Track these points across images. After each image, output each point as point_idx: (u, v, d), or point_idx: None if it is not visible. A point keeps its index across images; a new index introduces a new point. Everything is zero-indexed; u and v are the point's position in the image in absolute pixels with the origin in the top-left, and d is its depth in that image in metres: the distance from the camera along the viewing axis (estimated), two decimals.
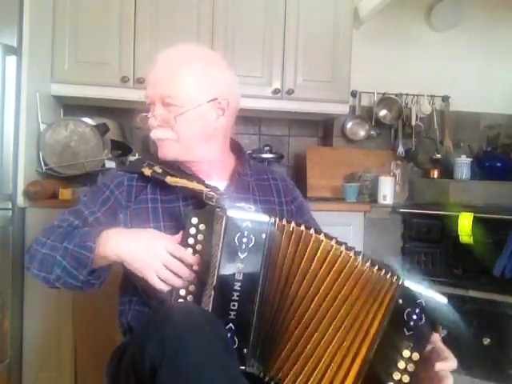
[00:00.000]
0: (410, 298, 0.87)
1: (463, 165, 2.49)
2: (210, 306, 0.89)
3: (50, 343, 1.87)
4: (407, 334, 0.86)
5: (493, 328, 1.93)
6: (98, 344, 1.73)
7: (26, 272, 1.03)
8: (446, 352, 0.88)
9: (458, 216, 1.93)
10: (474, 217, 1.90)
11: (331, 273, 0.90)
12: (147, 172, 1.06)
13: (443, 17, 2.67)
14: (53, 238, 1.00)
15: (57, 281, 0.97)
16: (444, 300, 0.88)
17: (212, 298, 0.88)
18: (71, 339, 1.86)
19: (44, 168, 1.97)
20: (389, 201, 2.24)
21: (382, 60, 2.64)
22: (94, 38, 2.13)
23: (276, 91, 2.30)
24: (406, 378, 0.86)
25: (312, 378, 0.90)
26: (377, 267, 0.89)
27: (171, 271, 0.91)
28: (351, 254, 0.90)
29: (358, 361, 0.89)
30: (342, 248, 0.91)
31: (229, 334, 0.88)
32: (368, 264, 0.89)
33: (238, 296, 0.88)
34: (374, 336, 0.88)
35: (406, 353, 0.86)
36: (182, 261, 0.92)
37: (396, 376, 0.86)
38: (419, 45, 2.70)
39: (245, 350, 0.89)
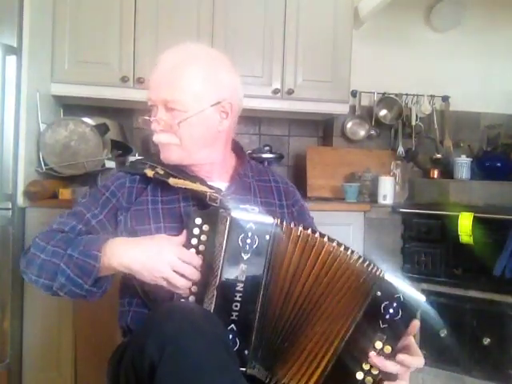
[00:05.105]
0: (389, 292, 0.86)
1: (463, 165, 2.48)
2: (212, 307, 0.89)
3: (49, 343, 1.87)
4: (382, 326, 0.86)
5: (493, 328, 1.93)
6: (98, 344, 1.73)
7: (23, 276, 1.01)
8: (416, 350, 0.89)
9: (457, 216, 1.93)
10: (474, 217, 1.89)
11: (329, 272, 0.90)
12: (150, 173, 1.04)
13: (443, 17, 2.67)
14: (53, 242, 0.98)
15: (60, 289, 0.96)
16: (422, 298, 0.88)
17: (214, 298, 0.88)
18: (71, 339, 1.86)
19: (44, 168, 1.97)
20: (389, 201, 2.24)
21: (381, 60, 2.64)
22: (94, 37, 2.13)
23: (276, 91, 2.30)
24: (375, 370, 0.86)
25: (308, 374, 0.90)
26: (362, 260, 0.89)
27: (182, 275, 0.90)
28: (348, 252, 0.90)
29: (331, 349, 0.89)
30: (342, 249, 0.90)
31: (230, 335, 0.87)
32: (356, 257, 0.89)
33: (240, 297, 0.88)
34: (350, 325, 0.88)
35: (379, 344, 0.86)
36: (190, 263, 0.91)
37: (366, 366, 0.86)
38: (419, 45, 2.70)
39: (246, 352, 0.88)
